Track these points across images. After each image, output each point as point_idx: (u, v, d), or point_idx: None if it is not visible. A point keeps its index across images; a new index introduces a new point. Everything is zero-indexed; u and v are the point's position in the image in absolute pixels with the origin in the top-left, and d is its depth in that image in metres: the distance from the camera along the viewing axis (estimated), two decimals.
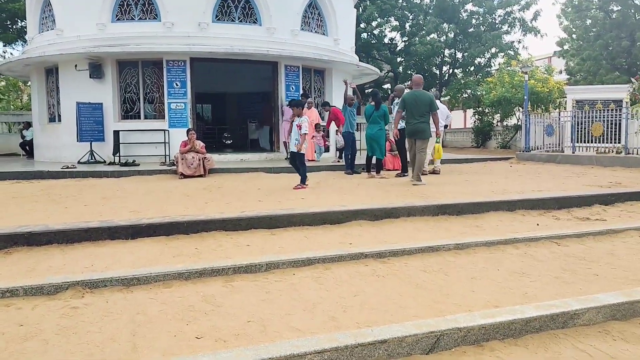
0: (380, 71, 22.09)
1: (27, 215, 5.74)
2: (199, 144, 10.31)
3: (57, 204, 6.67)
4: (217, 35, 13.19)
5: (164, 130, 12.96)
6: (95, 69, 13.03)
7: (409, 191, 7.71)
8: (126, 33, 13.01)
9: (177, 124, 13.16)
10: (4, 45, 21.26)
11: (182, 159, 9.94)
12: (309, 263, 4.22)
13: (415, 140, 8.72)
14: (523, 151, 15.29)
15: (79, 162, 12.81)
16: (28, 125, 16.90)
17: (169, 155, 12.92)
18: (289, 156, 11.25)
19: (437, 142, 10.26)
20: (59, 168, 10.74)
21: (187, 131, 10.53)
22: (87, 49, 12.66)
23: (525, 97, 15.99)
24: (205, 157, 10.17)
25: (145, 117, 13.47)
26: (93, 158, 12.91)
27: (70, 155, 13.36)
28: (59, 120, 14.26)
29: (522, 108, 16.76)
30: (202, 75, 14.70)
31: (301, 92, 14.70)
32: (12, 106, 28.89)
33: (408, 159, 9.74)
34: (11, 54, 19.19)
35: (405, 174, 10.08)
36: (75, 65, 13.28)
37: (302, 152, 8.23)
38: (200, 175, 10.04)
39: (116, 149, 12.79)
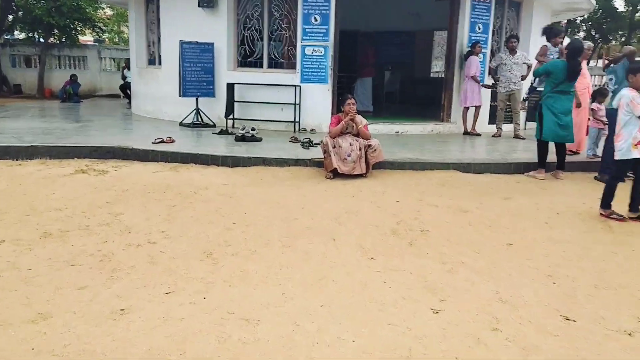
0: None
1: None
2: (361, 122, 6.25)
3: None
4: None
5: (294, 85, 9.09)
6: None
7: None
8: None
9: (313, 78, 9.18)
10: None
11: (334, 147, 6.00)
12: None
13: None
14: None
15: (181, 124, 9.46)
16: (129, 64, 13.93)
17: (299, 123, 9.13)
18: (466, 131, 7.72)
19: None
20: (149, 143, 7.26)
21: (342, 100, 6.30)
22: None
23: None
24: (369, 145, 6.13)
25: (269, 66, 9.63)
26: (199, 119, 9.45)
27: (172, 112, 10.11)
28: (159, 63, 10.94)
29: None
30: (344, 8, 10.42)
31: (490, 33, 10.04)
32: (121, 40, 26.74)
33: None
34: None
35: None
36: None
37: None
38: (361, 175, 6.09)
39: (229, 109, 9.22)
